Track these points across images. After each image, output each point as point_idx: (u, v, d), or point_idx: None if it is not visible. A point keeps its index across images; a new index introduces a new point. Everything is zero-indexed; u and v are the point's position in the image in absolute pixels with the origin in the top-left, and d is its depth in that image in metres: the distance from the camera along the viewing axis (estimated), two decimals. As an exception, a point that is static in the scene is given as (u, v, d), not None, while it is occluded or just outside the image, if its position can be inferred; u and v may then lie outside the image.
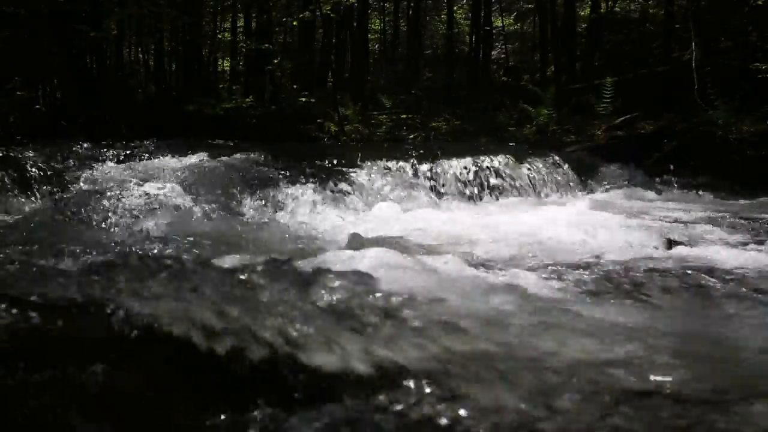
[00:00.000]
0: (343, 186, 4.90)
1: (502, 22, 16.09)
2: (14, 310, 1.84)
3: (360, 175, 5.13)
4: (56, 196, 4.15)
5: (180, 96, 10.79)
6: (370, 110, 10.89)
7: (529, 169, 5.96)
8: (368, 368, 1.58)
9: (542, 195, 5.78)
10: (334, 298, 2.13)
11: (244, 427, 1.35)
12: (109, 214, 3.72)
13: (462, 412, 1.39)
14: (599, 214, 4.36)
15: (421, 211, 4.68)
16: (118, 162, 4.79)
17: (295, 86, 11.16)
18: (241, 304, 2.06)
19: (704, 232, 3.76)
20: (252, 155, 5.35)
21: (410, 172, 5.42)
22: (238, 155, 5.29)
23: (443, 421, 1.37)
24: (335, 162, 5.35)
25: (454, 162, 5.67)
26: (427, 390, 1.46)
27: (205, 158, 5.14)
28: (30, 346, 1.66)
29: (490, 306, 2.10)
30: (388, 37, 15.99)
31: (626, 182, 6.46)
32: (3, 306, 1.89)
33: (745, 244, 3.37)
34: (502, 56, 15.71)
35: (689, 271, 2.74)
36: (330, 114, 9.60)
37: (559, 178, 6.09)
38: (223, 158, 5.18)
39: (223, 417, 1.38)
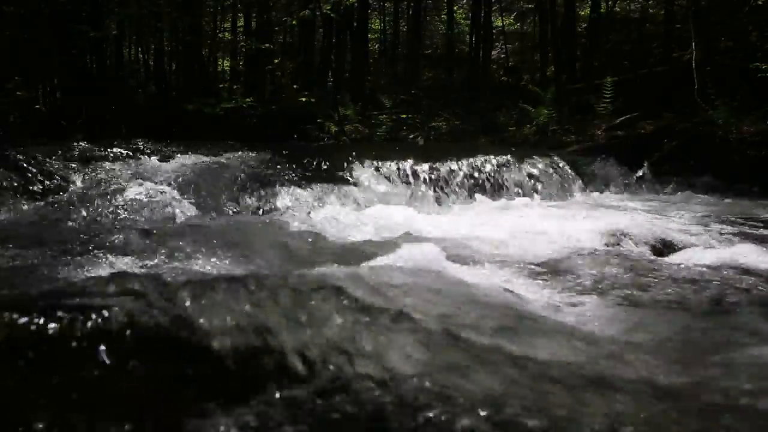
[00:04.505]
0: (343, 186, 4.90)
1: (502, 22, 16.09)
2: (13, 310, 1.84)
3: (359, 175, 5.13)
4: (55, 196, 4.15)
5: (180, 96, 10.78)
6: (370, 110, 10.88)
7: (527, 170, 5.95)
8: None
9: (540, 196, 5.77)
10: (328, 302, 2.12)
11: (245, 426, 1.35)
12: (108, 214, 3.73)
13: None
14: (596, 215, 4.36)
15: (420, 211, 4.69)
16: (118, 162, 4.79)
17: (295, 86, 11.15)
18: (240, 303, 2.06)
19: (703, 233, 3.75)
20: (252, 155, 5.35)
21: (409, 172, 5.41)
22: (237, 155, 5.29)
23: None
24: (335, 162, 5.35)
25: (453, 162, 5.67)
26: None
27: (205, 158, 5.14)
28: (30, 346, 1.66)
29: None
30: (388, 37, 15.99)
31: (626, 182, 6.46)
32: (2, 306, 1.89)
33: (745, 245, 3.36)
34: (502, 56, 15.71)
35: (684, 273, 2.73)
36: (330, 114, 9.60)
37: (559, 178, 6.08)
38: (222, 158, 5.18)
39: (223, 416, 1.38)
